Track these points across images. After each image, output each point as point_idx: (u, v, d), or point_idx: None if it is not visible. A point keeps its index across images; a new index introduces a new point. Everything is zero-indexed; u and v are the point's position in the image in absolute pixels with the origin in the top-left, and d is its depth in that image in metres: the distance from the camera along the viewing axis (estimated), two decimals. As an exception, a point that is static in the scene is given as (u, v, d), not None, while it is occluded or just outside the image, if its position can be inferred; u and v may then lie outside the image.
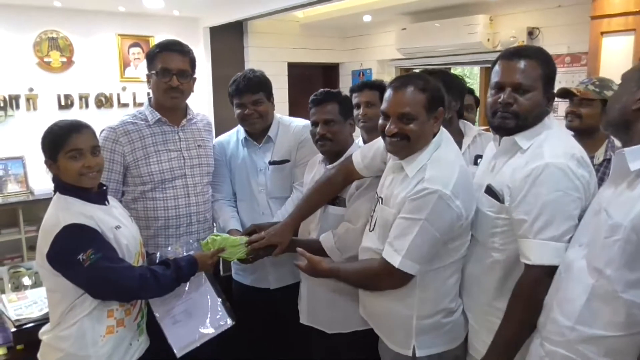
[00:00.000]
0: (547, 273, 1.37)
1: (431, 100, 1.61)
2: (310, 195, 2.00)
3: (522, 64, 1.53)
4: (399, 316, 1.67)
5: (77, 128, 1.66)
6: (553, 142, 1.47)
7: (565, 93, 2.18)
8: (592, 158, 1.96)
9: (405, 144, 1.62)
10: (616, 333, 1.19)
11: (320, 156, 2.13)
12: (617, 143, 1.40)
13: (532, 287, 1.39)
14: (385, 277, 1.61)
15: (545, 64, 1.54)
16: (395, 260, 1.55)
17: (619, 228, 1.18)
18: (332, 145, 1.99)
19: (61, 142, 1.63)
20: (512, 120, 1.54)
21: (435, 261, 1.60)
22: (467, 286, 1.66)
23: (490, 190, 1.56)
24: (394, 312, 1.68)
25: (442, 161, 1.60)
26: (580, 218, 1.40)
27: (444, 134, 1.68)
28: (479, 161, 1.90)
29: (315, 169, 2.13)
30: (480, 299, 1.61)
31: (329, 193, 1.98)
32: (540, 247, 1.37)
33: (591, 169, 1.47)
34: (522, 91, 1.52)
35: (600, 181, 1.79)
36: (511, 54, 1.57)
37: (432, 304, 1.63)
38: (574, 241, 1.36)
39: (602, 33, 3.58)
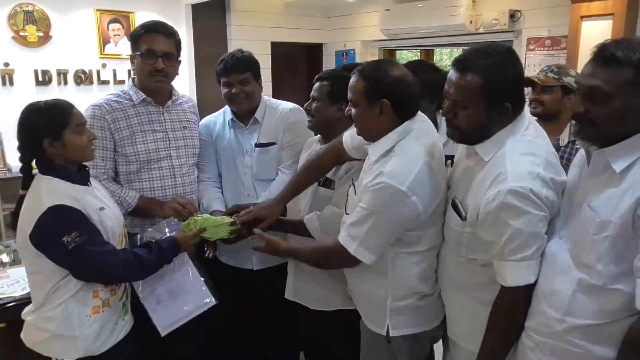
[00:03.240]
0: (524, 290, 1.37)
1: (370, 90, 1.57)
2: (301, 173, 2.01)
3: (460, 76, 1.41)
4: (375, 296, 1.70)
5: (72, 104, 1.67)
6: (516, 159, 1.37)
7: (529, 82, 2.23)
8: (557, 141, 2.10)
9: (356, 127, 1.68)
10: (605, 320, 1.22)
11: (317, 137, 2.14)
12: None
13: (511, 306, 1.40)
14: (338, 257, 1.67)
15: (490, 75, 1.37)
16: (351, 247, 1.60)
17: (608, 225, 1.18)
18: (315, 126, 2.05)
19: (68, 117, 1.62)
20: (457, 134, 1.49)
21: (400, 246, 1.62)
22: (442, 274, 1.66)
23: (454, 204, 1.54)
24: (371, 291, 1.71)
25: (406, 154, 1.57)
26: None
27: (417, 123, 1.63)
28: (448, 162, 1.80)
29: (311, 149, 2.14)
30: (454, 289, 1.63)
31: (319, 171, 1.98)
32: (514, 269, 1.36)
33: (559, 185, 1.39)
34: (460, 107, 1.43)
35: (568, 162, 1.84)
36: (456, 61, 1.43)
37: (405, 286, 1.65)
38: (553, 232, 1.37)
39: (581, 17, 3.63)
